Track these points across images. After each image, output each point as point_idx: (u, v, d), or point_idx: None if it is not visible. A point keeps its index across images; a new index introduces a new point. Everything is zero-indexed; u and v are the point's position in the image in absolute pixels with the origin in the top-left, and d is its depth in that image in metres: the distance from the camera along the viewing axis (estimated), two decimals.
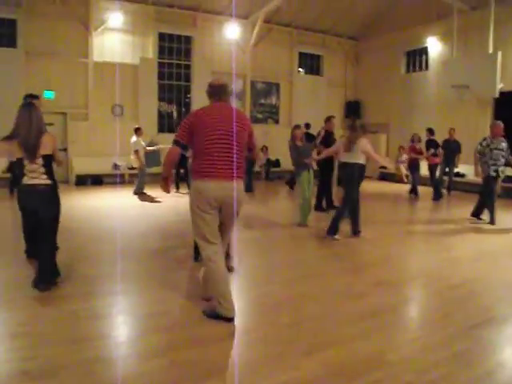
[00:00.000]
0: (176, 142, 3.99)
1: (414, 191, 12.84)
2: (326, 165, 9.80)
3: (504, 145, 8.76)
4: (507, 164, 8.91)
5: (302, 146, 8.35)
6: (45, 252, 4.75)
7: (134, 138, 11.69)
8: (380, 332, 3.86)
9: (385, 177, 17.23)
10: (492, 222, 8.79)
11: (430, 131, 12.46)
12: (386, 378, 3.12)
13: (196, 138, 3.92)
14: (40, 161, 4.60)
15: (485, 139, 8.92)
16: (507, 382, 3.17)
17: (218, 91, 4.12)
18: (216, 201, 3.88)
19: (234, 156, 3.94)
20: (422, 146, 12.61)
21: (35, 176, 4.60)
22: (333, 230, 7.28)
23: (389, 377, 3.13)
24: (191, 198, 4.02)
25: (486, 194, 8.99)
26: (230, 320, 3.91)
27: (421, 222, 9.72)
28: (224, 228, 4.14)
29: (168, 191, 4.30)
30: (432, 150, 12.37)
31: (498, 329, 3.99)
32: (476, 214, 9.23)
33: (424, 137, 12.64)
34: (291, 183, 12.30)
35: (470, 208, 9.42)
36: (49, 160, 4.71)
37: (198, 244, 4.11)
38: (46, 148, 4.63)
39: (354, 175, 7.27)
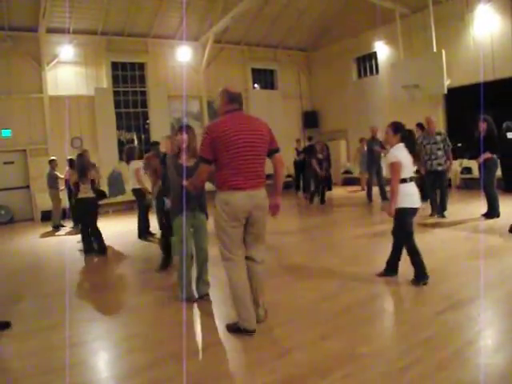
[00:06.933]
0: (203, 160, 3.91)
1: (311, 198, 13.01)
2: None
3: (438, 138, 8.82)
4: (447, 156, 8.87)
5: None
6: None
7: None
8: (350, 328, 3.97)
9: (349, 182, 17.51)
10: (439, 212, 9.02)
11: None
12: (358, 370, 3.21)
13: (220, 152, 3.82)
14: None
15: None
16: (475, 357, 3.31)
17: (237, 99, 4.16)
18: (244, 211, 3.87)
19: (258, 164, 3.95)
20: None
21: None
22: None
23: (361, 369, 3.23)
24: (216, 211, 3.93)
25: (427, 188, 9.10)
26: (252, 332, 3.91)
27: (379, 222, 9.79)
28: (256, 237, 4.09)
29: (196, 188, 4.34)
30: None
31: (461, 312, 4.15)
32: (440, 209, 9.13)
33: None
34: None
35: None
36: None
37: (221, 253, 4.04)
38: None
39: None
